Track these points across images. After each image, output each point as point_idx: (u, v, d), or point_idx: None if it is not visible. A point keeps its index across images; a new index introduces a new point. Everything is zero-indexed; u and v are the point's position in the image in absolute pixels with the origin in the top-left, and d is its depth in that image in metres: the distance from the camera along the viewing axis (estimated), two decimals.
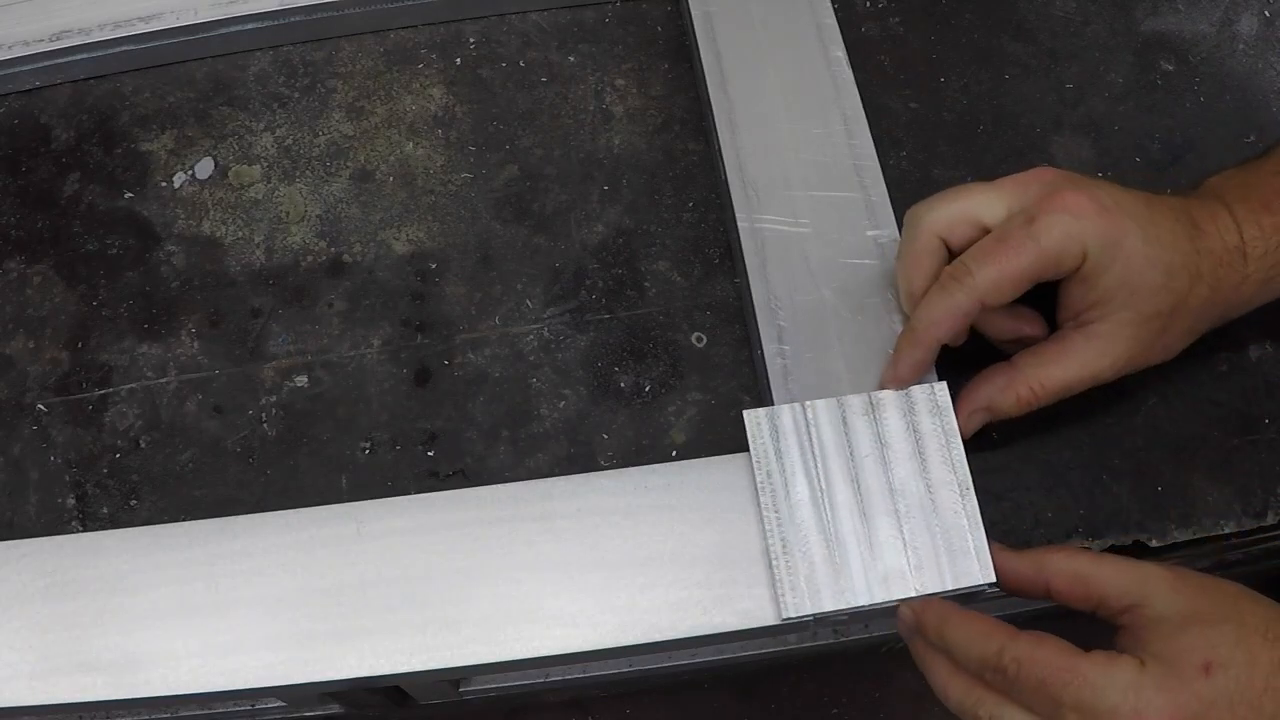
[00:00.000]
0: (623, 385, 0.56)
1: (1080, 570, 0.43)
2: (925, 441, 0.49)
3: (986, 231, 0.48)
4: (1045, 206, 0.47)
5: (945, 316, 0.48)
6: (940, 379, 0.51)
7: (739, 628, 0.47)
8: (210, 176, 0.62)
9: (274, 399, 0.56)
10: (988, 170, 0.60)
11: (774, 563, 0.47)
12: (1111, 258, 0.47)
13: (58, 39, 0.63)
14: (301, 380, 0.57)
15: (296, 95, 0.64)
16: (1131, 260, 0.47)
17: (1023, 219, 0.47)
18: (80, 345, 0.58)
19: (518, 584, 0.48)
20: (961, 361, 0.55)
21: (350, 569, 0.49)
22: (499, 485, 0.50)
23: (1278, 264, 0.49)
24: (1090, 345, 0.48)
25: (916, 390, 0.50)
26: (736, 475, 0.50)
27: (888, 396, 0.50)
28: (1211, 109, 0.62)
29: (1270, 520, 0.52)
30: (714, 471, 0.50)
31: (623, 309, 0.58)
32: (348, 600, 0.48)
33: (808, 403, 0.50)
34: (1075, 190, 0.47)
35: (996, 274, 0.47)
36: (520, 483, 0.50)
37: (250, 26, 0.64)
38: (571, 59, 0.65)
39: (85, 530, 0.54)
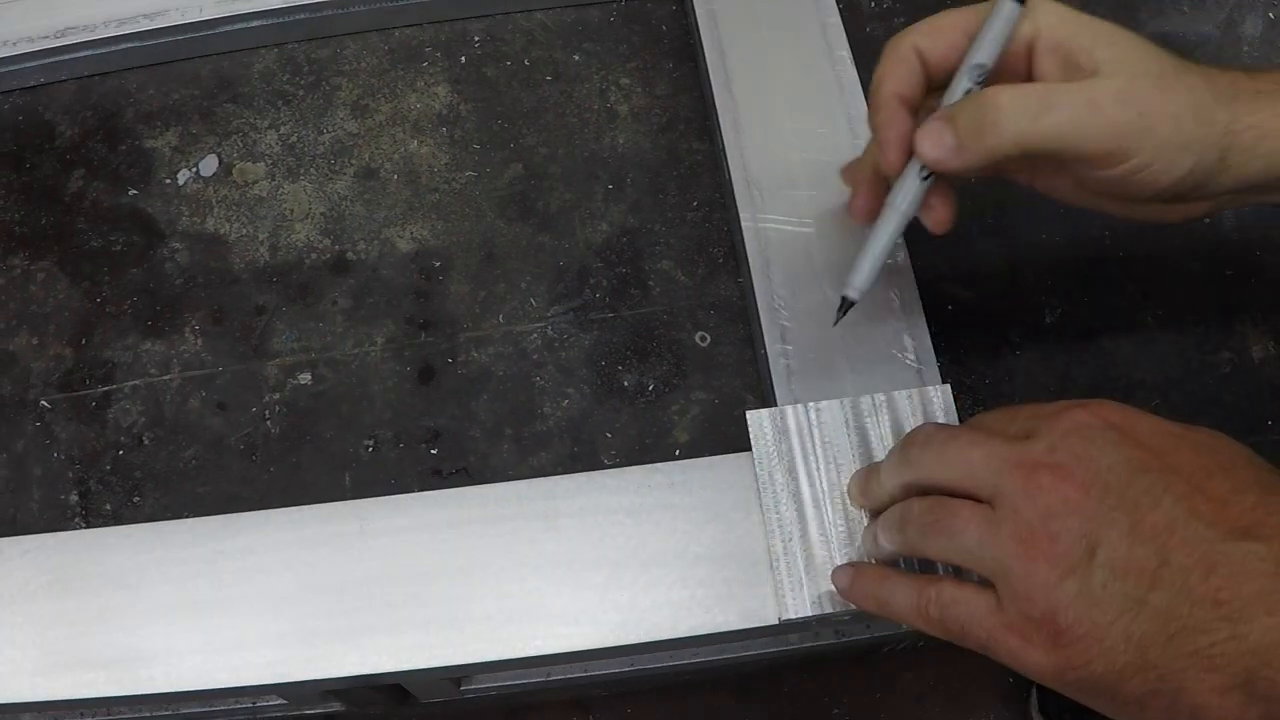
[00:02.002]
0: (626, 384, 0.56)
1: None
2: None
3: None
4: None
5: (883, 65, 0.46)
6: (944, 381, 0.51)
7: (740, 627, 0.47)
8: (214, 174, 0.62)
9: (277, 396, 0.56)
10: None
11: (775, 563, 0.47)
12: (1074, 23, 0.44)
13: (62, 35, 0.63)
14: (305, 378, 0.57)
15: (301, 93, 0.64)
16: (1095, 25, 0.44)
17: None
18: (84, 342, 0.58)
19: (520, 582, 0.48)
20: (964, 364, 0.55)
21: (353, 567, 0.49)
22: (502, 483, 0.50)
23: None
24: (1074, 84, 0.43)
25: (918, 392, 0.50)
26: (739, 475, 0.50)
27: (890, 398, 0.50)
28: None
29: None
30: (717, 471, 0.50)
31: (626, 308, 0.58)
32: (350, 598, 0.48)
33: (810, 403, 0.50)
34: None
35: (929, 22, 0.46)
36: (523, 481, 0.50)
37: (255, 24, 0.64)
38: (576, 58, 0.65)
39: (88, 527, 0.54)
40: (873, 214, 0.48)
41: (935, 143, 0.44)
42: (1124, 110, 0.42)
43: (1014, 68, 0.45)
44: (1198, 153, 0.43)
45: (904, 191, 0.46)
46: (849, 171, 0.51)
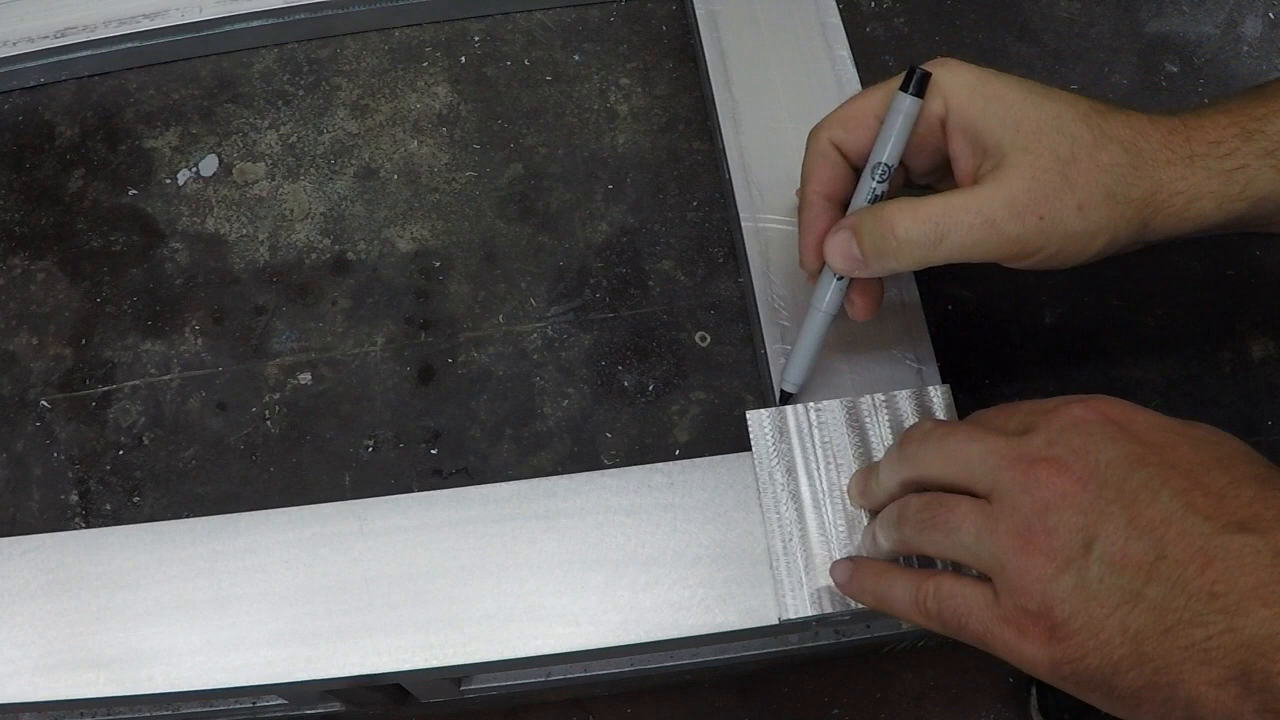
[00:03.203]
0: (626, 384, 0.56)
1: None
2: None
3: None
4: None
5: (807, 163, 0.47)
6: (944, 382, 0.51)
7: (740, 627, 0.47)
8: (214, 174, 0.62)
9: (277, 396, 0.56)
10: None
11: (775, 563, 0.47)
12: (982, 99, 0.43)
13: (62, 35, 0.63)
14: (305, 378, 0.57)
15: (301, 93, 0.64)
16: (1006, 101, 0.43)
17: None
18: (84, 342, 0.58)
19: (520, 582, 0.48)
20: (964, 364, 0.55)
21: (353, 566, 0.49)
22: (502, 483, 0.50)
23: (1238, 155, 0.43)
24: (979, 186, 0.43)
25: (918, 392, 0.50)
26: (739, 475, 0.50)
27: (890, 398, 0.50)
28: None
29: None
30: (717, 471, 0.50)
31: (626, 308, 0.58)
32: (350, 598, 0.48)
33: (810, 404, 0.50)
34: (940, 58, 0.45)
35: (842, 110, 0.46)
36: (523, 481, 0.50)
37: (255, 24, 0.64)
38: (576, 58, 0.65)
39: (88, 527, 0.54)
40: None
41: (842, 254, 0.45)
42: (1023, 222, 0.42)
43: (927, 143, 0.46)
44: (1110, 232, 0.43)
45: (823, 291, 0.48)
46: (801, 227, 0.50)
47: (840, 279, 0.47)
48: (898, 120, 0.44)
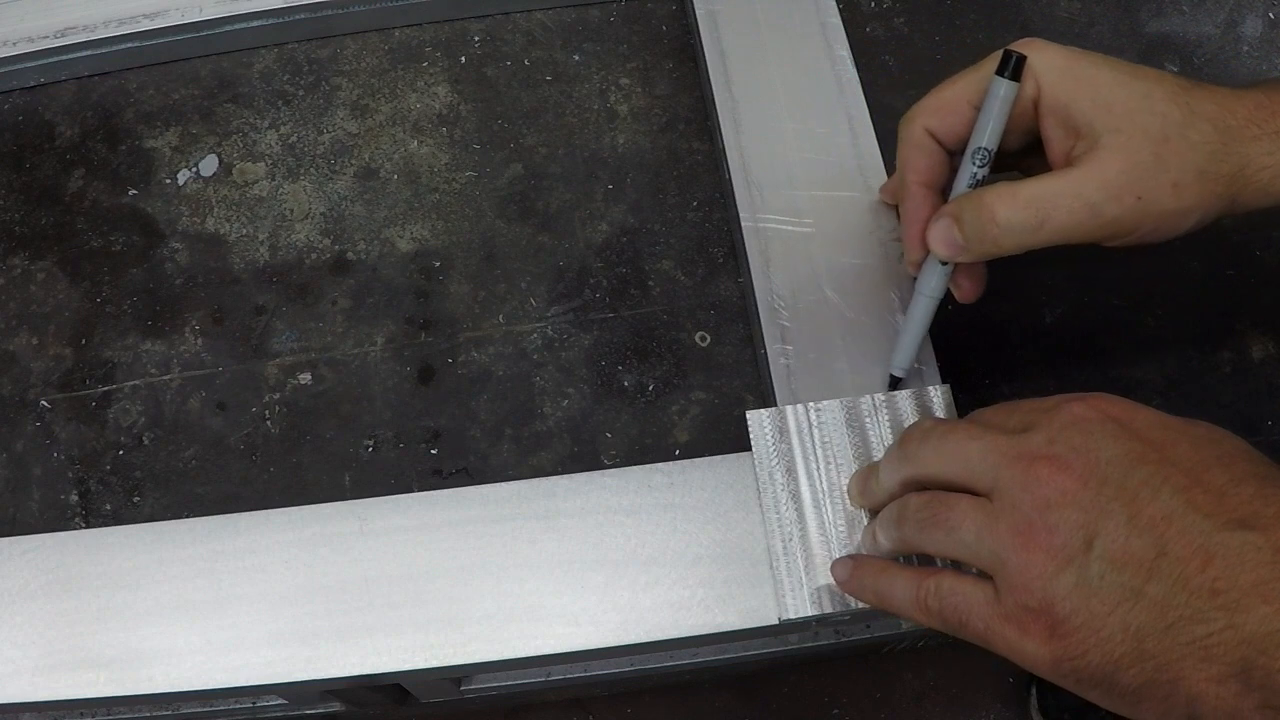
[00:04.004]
0: (626, 384, 0.56)
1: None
2: None
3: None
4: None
5: (903, 153, 0.48)
6: (944, 382, 0.51)
7: (740, 627, 0.47)
8: (214, 174, 0.62)
9: (277, 396, 0.56)
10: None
11: (775, 563, 0.47)
12: (1073, 80, 0.44)
13: (62, 35, 0.63)
14: (305, 378, 0.57)
15: (301, 93, 0.64)
16: (1097, 82, 0.44)
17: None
18: (84, 342, 0.58)
19: (520, 582, 0.48)
20: (964, 364, 0.55)
21: (353, 566, 0.49)
22: (502, 483, 0.50)
23: None
24: (1074, 169, 0.44)
25: (918, 392, 0.50)
26: (739, 475, 0.50)
27: (890, 398, 0.50)
28: None
29: None
30: (717, 471, 0.50)
31: (626, 308, 0.58)
32: (350, 598, 0.48)
33: (810, 404, 0.50)
34: (1032, 39, 0.46)
35: (934, 98, 0.47)
36: (523, 481, 0.50)
37: (255, 24, 0.64)
38: (576, 58, 0.65)
39: (88, 527, 0.54)
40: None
41: (944, 240, 0.46)
42: (1121, 204, 0.43)
43: (1019, 124, 0.46)
44: (1202, 209, 0.44)
45: (929, 276, 0.48)
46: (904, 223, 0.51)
47: (945, 264, 0.48)
48: (995, 105, 0.45)
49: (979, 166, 0.46)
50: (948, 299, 0.49)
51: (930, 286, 0.49)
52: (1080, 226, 0.43)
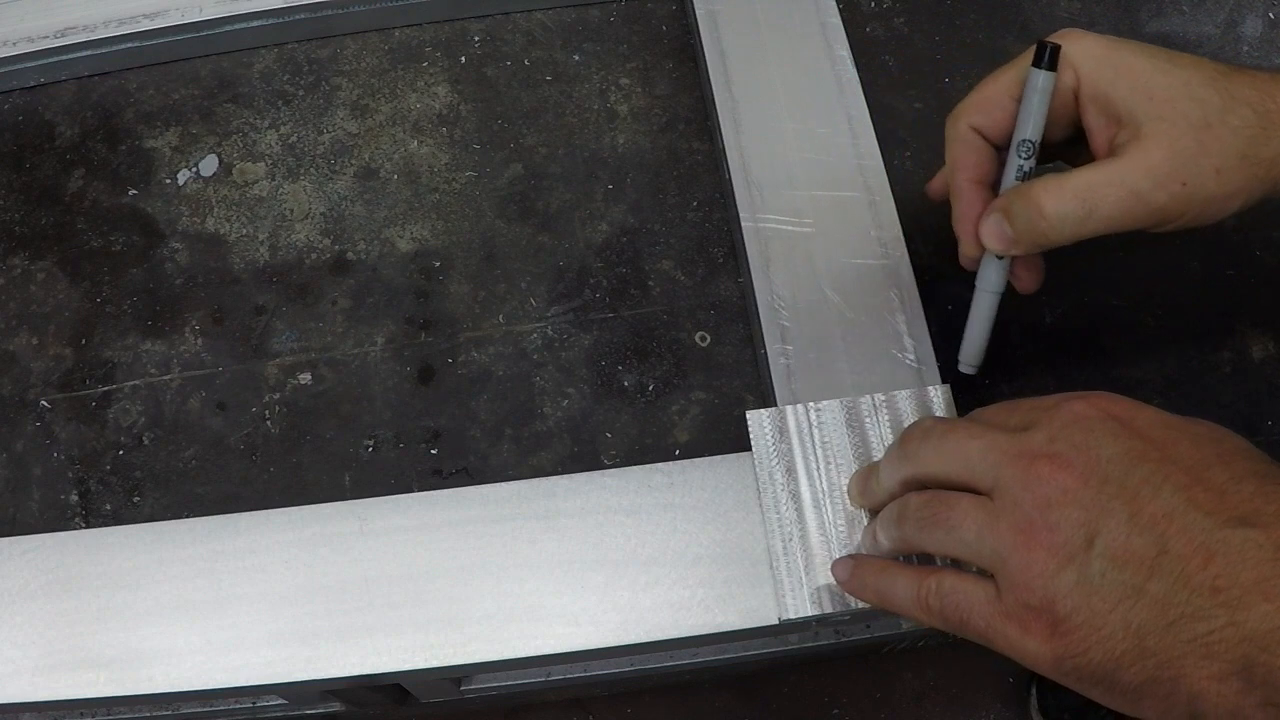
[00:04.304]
0: (626, 384, 0.56)
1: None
2: None
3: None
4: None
5: (951, 151, 0.48)
6: (944, 382, 0.51)
7: (741, 627, 0.47)
8: (214, 174, 0.62)
9: (277, 396, 0.56)
10: None
11: (775, 563, 0.47)
12: (1112, 69, 0.44)
13: (62, 35, 0.63)
14: (305, 378, 0.57)
15: (301, 93, 0.64)
16: (1135, 70, 0.44)
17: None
18: (84, 342, 0.58)
19: (520, 582, 0.48)
20: None
21: (353, 566, 0.49)
22: (502, 483, 0.50)
23: None
24: (1119, 158, 0.44)
25: (918, 392, 0.50)
26: (739, 475, 0.50)
27: (890, 398, 0.50)
28: None
29: None
30: (717, 471, 0.50)
31: (626, 308, 0.58)
32: (350, 598, 0.48)
33: (810, 404, 0.50)
34: (1069, 29, 0.46)
35: (977, 94, 0.47)
36: (523, 481, 0.50)
37: (255, 24, 0.64)
38: (576, 58, 0.65)
39: (88, 527, 0.54)
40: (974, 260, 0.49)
41: (996, 235, 0.46)
42: (1167, 191, 0.43)
43: (1061, 115, 0.46)
44: (1246, 194, 0.44)
45: (988, 272, 0.49)
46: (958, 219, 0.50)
47: (1002, 258, 0.48)
48: (1035, 97, 0.45)
49: (1025, 159, 0.46)
50: (1010, 293, 0.49)
51: (990, 281, 0.49)
52: (1128, 214, 0.43)
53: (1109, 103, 0.44)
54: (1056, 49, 0.45)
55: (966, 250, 0.49)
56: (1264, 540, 0.34)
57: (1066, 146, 0.49)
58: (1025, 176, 0.46)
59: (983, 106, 0.47)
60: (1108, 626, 0.36)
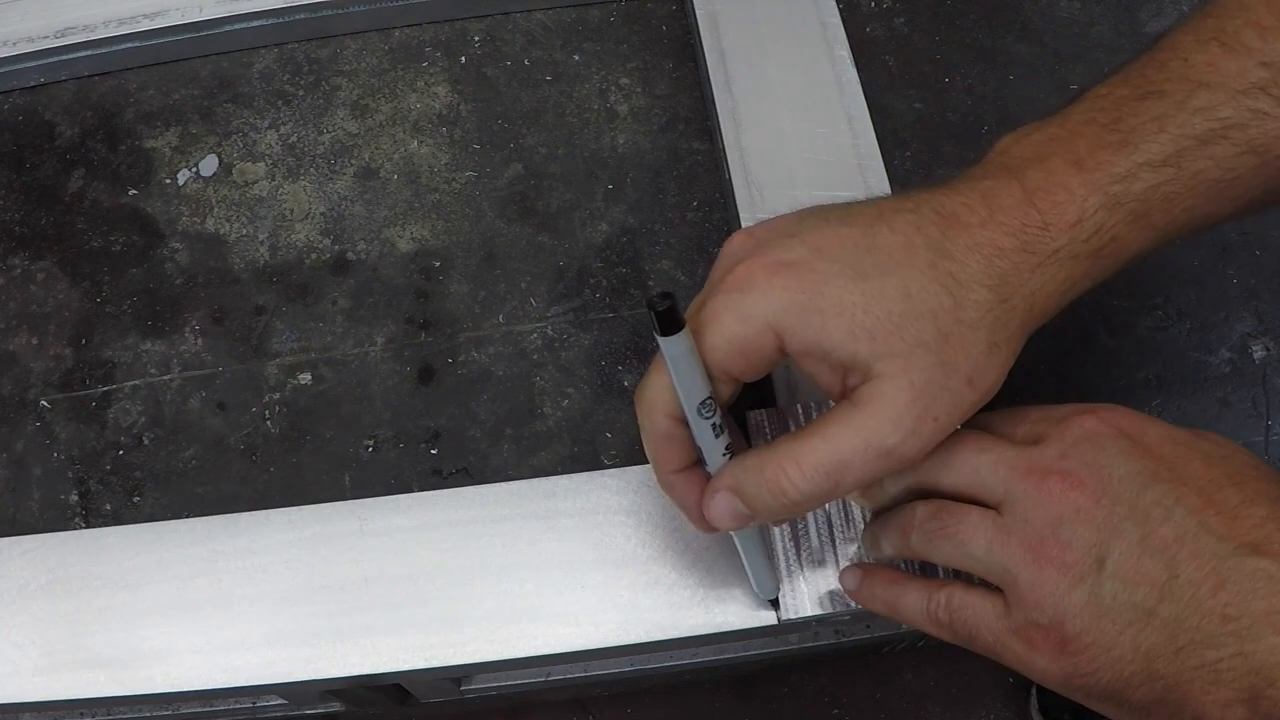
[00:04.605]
0: (626, 384, 0.56)
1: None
2: None
3: None
4: (712, 292, 0.39)
5: (651, 447, 0.42)
6: None
7: (741, 627, 0.47)
8: (214, 174, 0.62)
9: (277, 396, 0.56)
10: None
11: (775, 563, 0.47)
12: (818, 316, 0.38)
13: (62, 35, 0.63)
14: (305, 378, 0.57)
15: (301, 93, 0.64)
16: (844, 308, 0.37)
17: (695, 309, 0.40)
18: (84, 342, 0.58)
19: (520, 582, 0.48)
20: None
21: (353, 566, 0.49)
22: (502, 483, 0.50)
23: (1104, 230, 0.39)
24: (858, 411, 0.38)
25: None
26: None
27: None
28: None
29: None
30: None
31: (626, 308, 0.58)
32: (350, 598, 0.48)
33: (810, 404, 0.50)
34: (750, 260, 0.39)
35: (659, 377, 0.40)
36: (523, 481, 0.50)
37: (255, 24, 0.64)
38: (576, 58, 0.65)
39: (88, 527, 0.54)
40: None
41: (730, 515, 0.40)
42: (919, 435, 0.38)
43: (761, 362, 0.39)
44: (1003, 368, 0.40)
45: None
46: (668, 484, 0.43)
47: None
48: (677, 364, 0.38)
49: (708, 417, 0.39)
50: None
51: (740, 532, 0.44)
52: (882, 471, 0.38)
53: (825, 353, 0.38)
54: (668, 310, 0.36)
55: (706, 530, 0.42)
56: (1275, 571, 0.34)
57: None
58: (719, 429, 0.40)
59: (669, 393, 0.40)
60: (1117, 648, 0.36)
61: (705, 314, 0.39)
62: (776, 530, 0.47)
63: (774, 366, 0.40)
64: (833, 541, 0.47)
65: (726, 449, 0.41)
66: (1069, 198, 0.38)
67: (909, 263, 0.38)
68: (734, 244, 0.41)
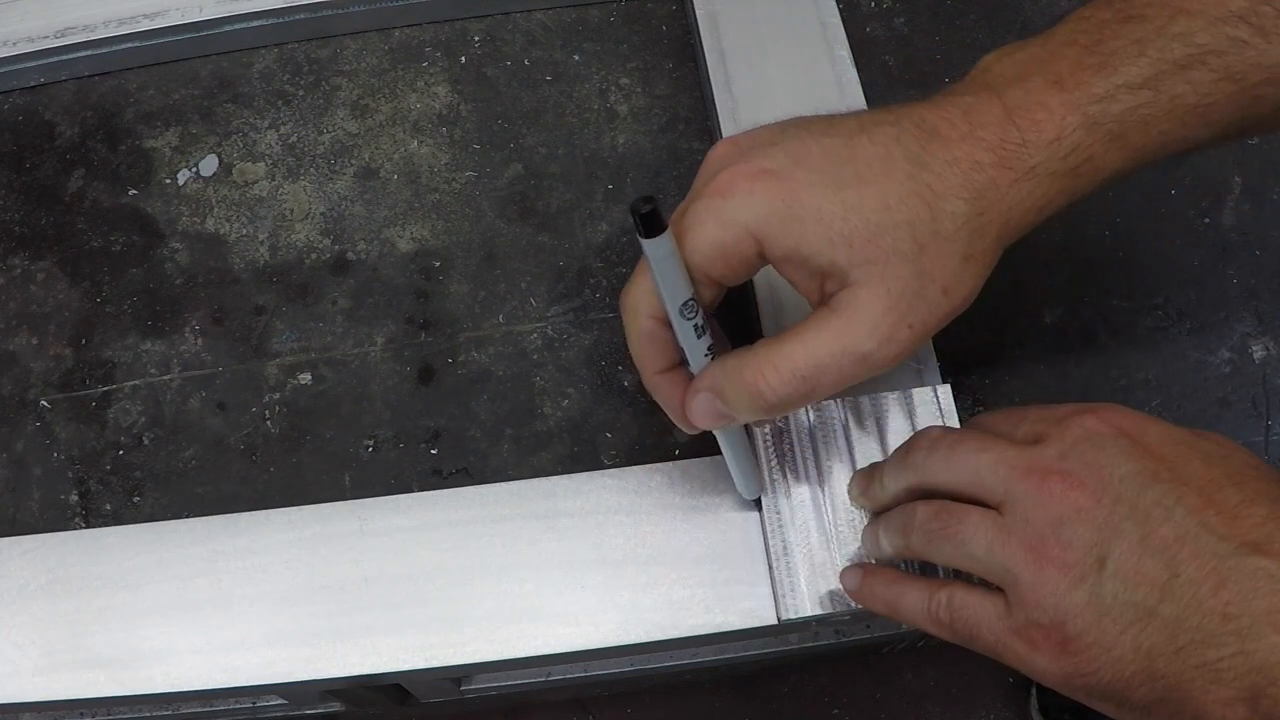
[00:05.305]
0: (626, 384, 0.56)
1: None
2: None
3: None
4: (695, 198, 0.40)
5: (636, 349, 0.42)
6: (944, 382, 0.51)
7: (740, 627, 0.47)
8: (214, 174, 0.62)
9: (277, 396, 0.56)
10: None
11: (775, 563, 0.47)
12: (797, 224, 0.38)
13: (62, 35, 0.63)
14: (305, 378, 0.57)
15: (301, 93, 0.64)
16: (824, 216, 0.38)
17: (679, 214, 0.40)
18: (84, 342, 0.58)
19: (520, 582, 0.48)
20: (964, 364, 0.55)
21: (353, 566, 0.49)
22: (502, 483, 0.50)
23: (1081, 149, 0.39)
24: (836, 316, 0.39)
25: (918, 392, 0.50)
26: None
27: (890, 398, 0.50)
28: None
29: None
30: (717, 471, 0.50)
31: None
32: (350, 598, 0.48)
33: (810, 403, 0.50)
34: (733, 168, 0.39)
35: (644, 279, 0.40)
36: (523, 481, 0.50)
37: (255, 24, 0.64)
38: (576, 58, 0.65)
39: (88, 527, 0.54)
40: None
41: (710, 414, 0.42)
42: (895, 341, 0.39)
43: (742, 267, 0.40)
44: (977, 282, 0.41)
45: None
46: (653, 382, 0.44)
47: None
48: (660, 265, 0.39)
49: (690, 318, 0.40)
50: None
51: (723, 431, 0.45)
52: (857, 377, 0.40)
53: (804, 259, 0.39)
54: (651, 213, 0.37)
55: (688, 429, 0.44)
56: (1276, 570, 0.34)
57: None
58: (700, 332, 0.41)
59: (651, 296, 0.41)
60: (1118, 648, 0.36)
61: (688, 219, 0.40)
62: (778, 530, 0.47)
63: (754, 271, 0.41)
64: (833, 541, 0.47)
65: (709, 350, 0.42)
66: (1048, 116, 0.39)
67: (888, 174, 0.39)
68: (718, 152, 0.41)
